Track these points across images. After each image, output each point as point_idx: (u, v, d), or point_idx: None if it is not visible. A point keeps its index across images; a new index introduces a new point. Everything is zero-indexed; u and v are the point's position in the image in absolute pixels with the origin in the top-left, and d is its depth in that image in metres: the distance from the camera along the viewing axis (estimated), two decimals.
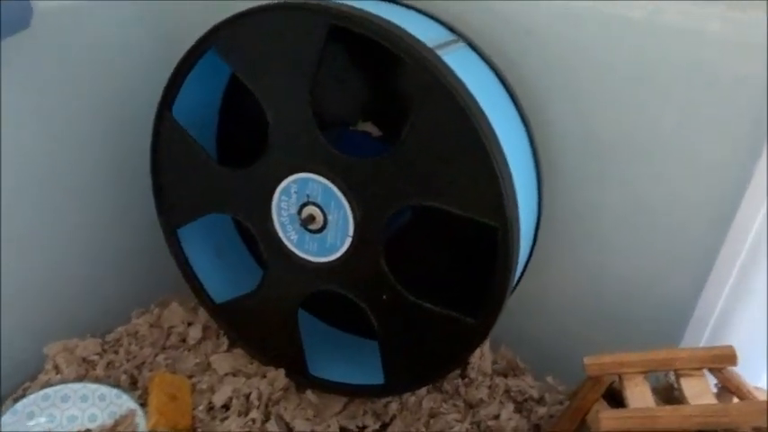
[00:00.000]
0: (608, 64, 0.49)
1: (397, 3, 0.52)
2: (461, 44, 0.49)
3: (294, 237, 0.52)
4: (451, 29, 0.50)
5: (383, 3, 0.52)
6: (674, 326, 0.54)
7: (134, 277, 0.63)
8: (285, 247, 0.53)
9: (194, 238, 0.60)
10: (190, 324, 0.63)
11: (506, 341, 0.61)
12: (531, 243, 0.53)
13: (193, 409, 0.55)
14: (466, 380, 0.58)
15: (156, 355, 0.60)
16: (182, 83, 0.52)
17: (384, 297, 0.50)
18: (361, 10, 0.44)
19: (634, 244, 0.54)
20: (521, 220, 0.46)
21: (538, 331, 0.61)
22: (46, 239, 0.56)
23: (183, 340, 0.62)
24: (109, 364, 0.58)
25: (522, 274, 0.54)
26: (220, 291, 0.60)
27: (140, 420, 0.52)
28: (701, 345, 0.54)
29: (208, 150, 0.55)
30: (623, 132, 0.50)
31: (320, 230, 0.51)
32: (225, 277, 0.61)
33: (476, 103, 0.43)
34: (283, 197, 0.51)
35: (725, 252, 0.51)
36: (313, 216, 0.50)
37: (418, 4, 0.52)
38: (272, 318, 0.57)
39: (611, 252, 0.55)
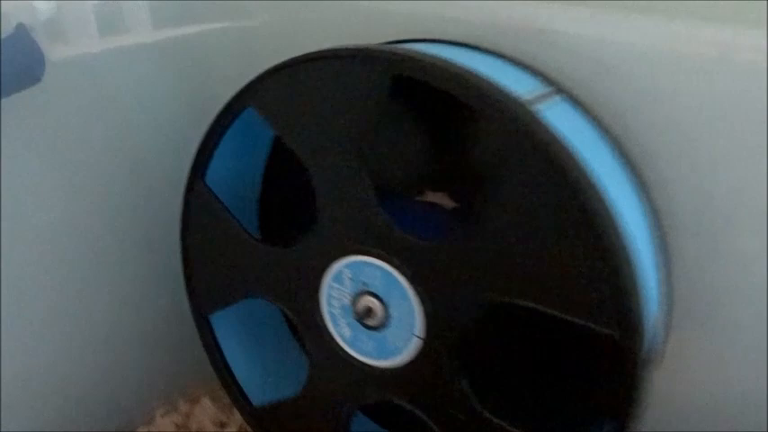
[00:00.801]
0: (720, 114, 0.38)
1: (477, 49, 0.42)
2: (559, 97, 0.39)
3: (347, 333, 0.42)
4: (546, 79, 0.40)
5: (459, 49, 0.43)
6: None
7: (160, 370, 0.54)
8: (336, 344, 0.43)
9: (230, 327, 0.51)
10: (223, 425, 0.53)
11: None
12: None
13: None
14: None
15: None
16: (215, 146, 0.44)
17: (459, 416, 0.39)
18: (431, 56, 0.35)
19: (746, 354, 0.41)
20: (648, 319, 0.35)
21: None
22: (55, 324, 0.48)
23: None
24: None
25: None
26: (260, 391, 0.50)
27: None
28: None
29: (247, 226, 0.46)
30: (742, 196, 0.39)
31: (380, 327, 0.41)
32: (266, 375, 0.51)
33: (586, 171, 0.33)
34: (335, 284, 0.42)
35: None
36: (371, 309, 0.40)
37: (503, 50, 0.42)
38: (318, 428, 0.47)
39: (745, 365, 0.43)
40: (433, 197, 0.45)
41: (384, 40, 0.45)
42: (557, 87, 0.40)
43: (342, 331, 0.42)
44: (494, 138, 0.40)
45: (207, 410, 0.53)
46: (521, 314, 0.37)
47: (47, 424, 0.49)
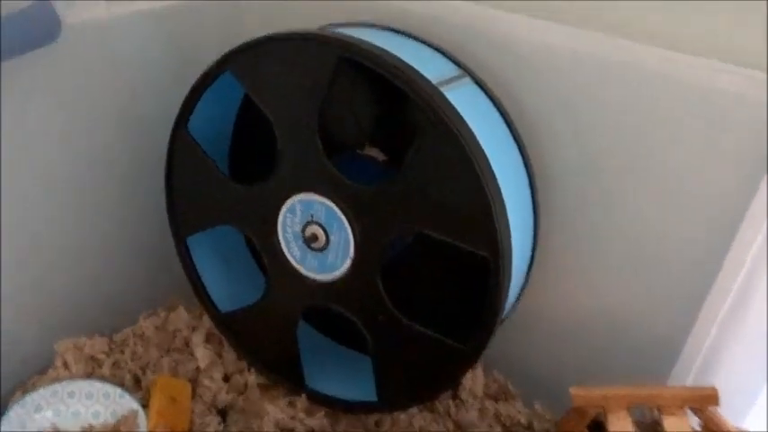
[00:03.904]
0: (613, 106, 0.50)
1: (411, 36, 0.54)
2: (467, 80, 0.51)
3: (297, 253, 0.54)
4: (459, 64, 0.52)
5: (396, 35, 0.54)
6: (663, 361, 0.55)
7: (144, 281, 0.66)
8: (288, 262, 0.55)
9: (203, 248, 0.62)
10: (194, 329, 0.65)
11: (498, 365, 0.62)
12: (524, 275, 0.54)
13: (192, 412, 0.57)
14: (457, 401, 0.60)
15: (161, 358, 0.62)
16: (197, 101, 0.54)
17: (379, 317, 0.52)
18: (369, 44, 0.46)
19: (625, 277, 0.55)
20: (513, 252, 0.47)
21: (529, 357, 0.62)
22: (62, 242, 0.59)
23: (187, 344, 0.64)
24: (114, 364, 0.60)
25: (516, 303, 0.56)
26: (226, 300, 0.62)
27: (141, 421, 0.55)
28: (689, 381, 0.55)
29: (221, 165, 0.57)
30: (622, 168, 0.52)
31: (322, 249, 0.53)
32: (231, 288, 0.63)
33: (474, 139, 0.45)
34: (288, 215, 0.53)
35: (716, 288, 0.52)
36: (316, 235, 0.52)
37: (430, 38, 0.53)
38: (272, 329, 0.59)
39: (602, 284, 0.57)
40: (370, 151, 0.57)
41: (344, 20, 0.56)
42: (469, 73, 0.52)
43: (293, 252, 0.54)
44: (412, 109, 0.52)
45: (182, 316, 0.65)
46: (429, 240, 0.49)
47: (45, 325, 0.60)
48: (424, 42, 0.54)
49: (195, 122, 0.56)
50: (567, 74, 0.51)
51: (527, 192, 0.52)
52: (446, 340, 0.50)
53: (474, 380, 0.61)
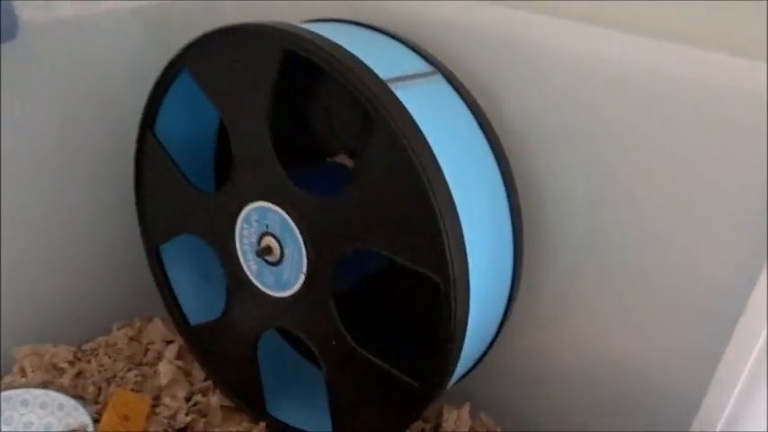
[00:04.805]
0: (605, 111, 0.43)
1: (387, 33, 0.48)
2: (437, 77, 0.45)
3: (254, 267, 0.50)
4: (433, 62, 0.46)
5: (368, 31, 0.49)
6: (681, 417, 0.46)
7: (122, 291, 0.63)
8: (246, 276, 0.51)
9: (178, 258, 0.59)
10: (169, 342, 0.62)
11: (492, 410, 0.55)
12: (500, 311, 0.47)
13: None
14: None
15: (128, 371, 0.59)
16: (160, 103, 0.51)
17: (332, 342, 0.47)
18: (317, 35, 0.42)
19: (629, 323, 0.47)
20: (478, 279, 0.41)
21: (528, 405, 0.55)
22: (33, 248, 0.57)
23: (159, 358, 0.61)
24: (79, 374, 0.58)
25: (492, 342, 0.48)
26: (197, 314, 0.59)
27: None
28: None
29: (202, 171, 0.54)
30: (618, 188, 0.44)
31: (277, 263, 0.48)
32: (205, 301, 0.60)
33: (422, 141, 0.39)
34: (245, 224, 0.49)
35: (740, 332, 0.42)
36: (270, 247, 0.48)
37: (403, 33, 0.48)
38: (234, 348, 0.55)
39: (609, 329, 0.48)
40: (342, 159, 0.52)
41: (316, 17, 0.52)
42: (441, 71, 0.46)
43: (250, 266, 0.50)
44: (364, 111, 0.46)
45: (158, 328, 0.62)
46: (400, 268, 0.43)
47: (19, 333, 0.58)
48: (399, 40, 0.48)
49: (165, 126, 0.53)
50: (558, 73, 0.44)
51: (504, 207, 0.45)
52: (398, 374, 0.44)
53: (458, 422, 0.54)
